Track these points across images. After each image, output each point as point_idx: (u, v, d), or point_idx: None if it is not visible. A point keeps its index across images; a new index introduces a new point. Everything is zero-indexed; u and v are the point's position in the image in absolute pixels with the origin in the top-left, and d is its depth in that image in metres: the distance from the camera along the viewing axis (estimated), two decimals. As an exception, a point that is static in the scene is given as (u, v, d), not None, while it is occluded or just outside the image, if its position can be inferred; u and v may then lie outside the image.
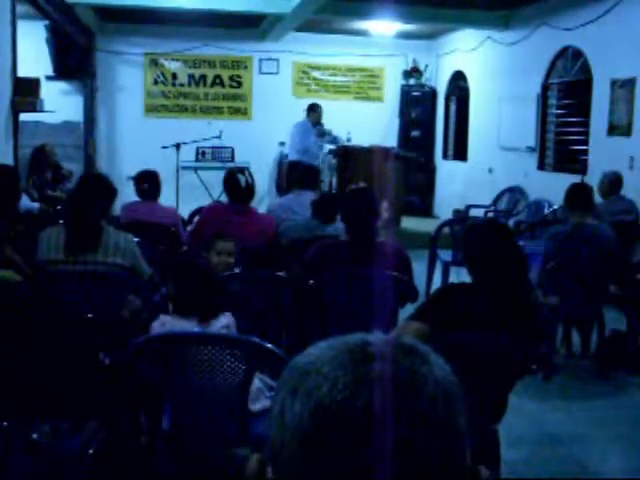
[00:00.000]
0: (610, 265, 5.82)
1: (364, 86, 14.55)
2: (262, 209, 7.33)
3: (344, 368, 0.84)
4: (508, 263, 3.35)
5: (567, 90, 10.46)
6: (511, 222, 9.52)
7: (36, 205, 7.41)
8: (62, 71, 12.26)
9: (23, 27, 8.37)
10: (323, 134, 11.13)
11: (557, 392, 5.56)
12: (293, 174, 9.82)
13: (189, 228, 6.38)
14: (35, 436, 3.06)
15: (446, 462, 0.82)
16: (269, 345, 3.09)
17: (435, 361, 0.87)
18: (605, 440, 4.77)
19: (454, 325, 3.16)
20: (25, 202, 6.77)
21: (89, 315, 4.00)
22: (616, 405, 5.40)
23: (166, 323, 3.37)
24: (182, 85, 13.86)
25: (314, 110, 11.19)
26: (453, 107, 14.22)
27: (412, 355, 0.86)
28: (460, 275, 6.12)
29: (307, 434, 0.82)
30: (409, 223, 11.91)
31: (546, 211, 9.15)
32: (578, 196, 5.98)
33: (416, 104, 14.44)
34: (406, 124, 14.46)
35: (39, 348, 3.14)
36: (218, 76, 14.02)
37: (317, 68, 14.31)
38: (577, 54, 9.99)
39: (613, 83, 8.99)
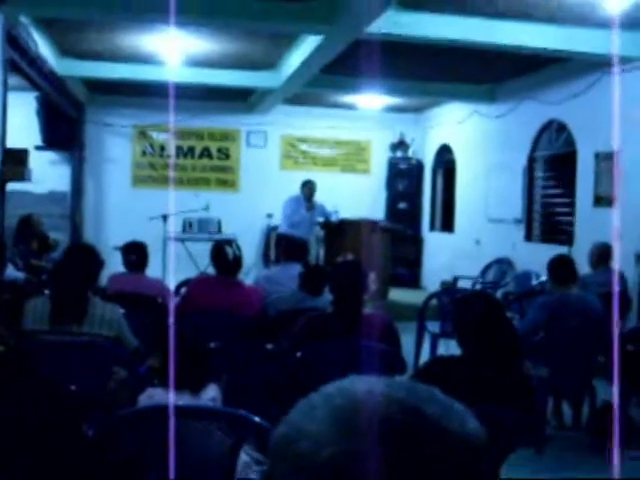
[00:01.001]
0: (598, 335, 5.80)
1: (351, 159, 14.67)
2: (249, 281, 7.30)
3: (338, 436, 0.79)
4: (499, 334, 3.33)
5: (553, 162, 10.58)
6: (499, 293, 9.52)
7: (21, 275, 7.35)
8: (51, 141, 12.32)
9: (14, 98, 8.43)
10: (314, 208, 11.16)
11: (549, 464, 5.48)
12: (281, 246, 9.84)
13: (176, 299, 6.33)
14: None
15: None
16: (257, 418, 3.04)
17: (447, 424, 0.81)
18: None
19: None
20: (10, 271, 6.72)
21: (72, 387, 3.94)
22: (608, 477, 5.32)
23: (154, 396, 3.32)
24: (170, 157, 13.95)
25: (306, 185, 11.27)
26: (440, 179, 14.34)
27: (409, 414, 0.81)
28: (449, 347, 6.09)
29: None
30: (397, 295, 11.89)
31: (534, 282, 9.16)
32: (560, 269, 6.01)
33: (403, 176, 14.56)
34: (393, 196, 14.55)
35: (20, 420, 3.07)
36: (206, 148, 14.13)
37: (304, 141, 14.44)
38: (561, 127, 10.13)
39: (596, 156, 9.10)
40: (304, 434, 0.80)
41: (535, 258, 9.75)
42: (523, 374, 3.64)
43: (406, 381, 0.87)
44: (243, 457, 3.25)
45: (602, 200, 9.01)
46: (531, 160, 10.87)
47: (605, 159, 8.95)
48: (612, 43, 8.26)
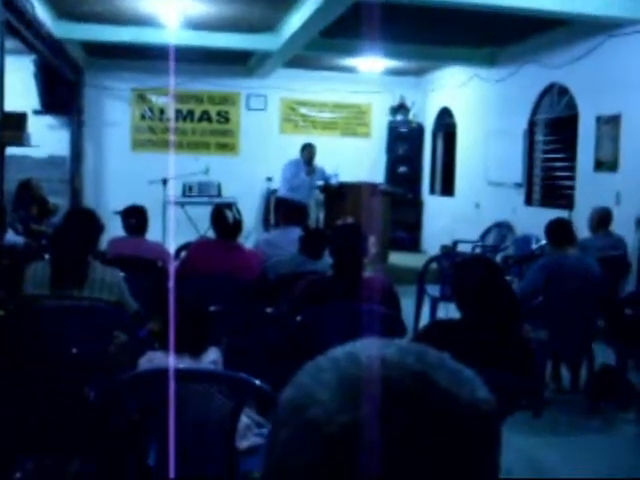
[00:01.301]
0: (596, 298, 5.82)
1: (351, 122, 14.61)
2: (249, 244, 7.31)
3: (348, 401, 0.78)
4: (498, 298, 3.33)
5: (553, 126, 10.54)
6: (499, 257, 9.53)
7: (21, 239, 7.35)
8: (49, 106, 12.26)
9: (11, 62, 8.37)
10: (313, 172, 11.12)
11: (547, 427, 5.53)
12: (280, 210, 9.83)
13: (176, 263, 6.34)
14: (19, 475, 3.01)
15: None
16: (257, 381, 3.06)
17: (458, 390, 0.80)
18: (596, 475, 4.72)
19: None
20: (10, 236, 6.72)
21: (73, 350, 3.96)
22: (607, 440, 5.37)
23: (154, 359, 3.33)
24: (169, 120, 13.89)
25: (305, 149, 11.23)
26: (440, 143, 14.30)
27: (419, 381, 0.80)
28: (448, 310, 6.10)
29: (307, 472, 0.77)
30: (397, 258, 11.91)
31: (533, 246, 9.17)
32: (558, 231, 6.03)
33: (403, 140, 14.51)
34: (393, 160, 14.52)
35: (23, 383, 3.09)
36: (205, 112, 14.07)
37: (304, 104, 14.37)
38: (563, 91, 10.07)
39: (598, 119, 9.06)
40: (313, 400, 0.79)
41: (535, 222, 9.75)
42: (522, 337, 3.66)
43: (415, 346, 0.85)
44: (244, 420, 3.27)
45: (603, 164, 8.99)
46: (532, 124, 10.82)
47: (606, 123, 8.91)
48: (615, 5, 8.19)
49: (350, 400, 0.78)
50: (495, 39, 10.90)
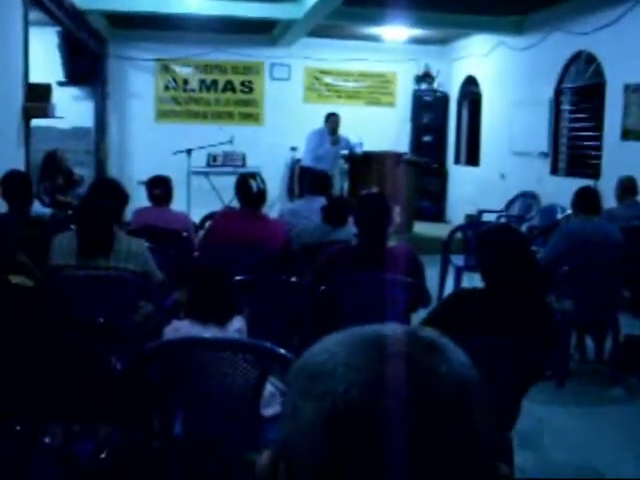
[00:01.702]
0: (620, 265, 5.78)
1: (376, 91, 14.53)
2: (273, 214, 7.32)
3: (359, 370, 0.80)
4: (523, 267, 3.33)
5: (580, 95, 10.43)
6: (524, 227, 9.49)
7: (48, 210, 7.41)
8: (73, 77, 12.28)
9: (35, 33, 8.39)
10: (338, 142, 11.07)
11: (571, 397, 5.52)
12: (305, 180, 9.83)
13: (201, 233, 6.37)
14: (48, 439, 3.05)
15: (466, 463, 0.79)
16: (282, 350, 3.08)
17: (454, 356, 0.84)
18: (619, 445, 4.73)
19: (466, 329, 3.13)
20: (37, 207, 6.77)
21: (100, 319, 4.00)
22: (630, 411, 5.37)
23: (180, 329, 3.36)
24: (193, 91, 13.89)
25: (330, 118, 11.18)
26: (465, 112, 14.20)
27: (431, 353, 0.83)
28: (473, 280, 6.09)
29: (321, 439, 0.79)
30: (421, 228, 11.89)
31: (559, 216, 9.11)
32: (584, 198, 5.99)
33: (428, 109, 14.43)
34: (418, 129, 14.45)
35: (51, 352, 3.13)
36: (229, 81, 14.04)
37: (329, 73, 14.30)
38: (590, 59, 9.95)
39: (626, 88, 8.95)
40: (331, 374, 0.81)
41: (560, 192, 9.68)
42: (546, 307, 3.65)
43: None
44: (268, 388, 3.30)
45: (630, 133, 8.89)
46: (558, 92, 10.71)
47: (634, 91, 8.80)
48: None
49: (364, 364, 0.81)
50: (522, 6, 10.77)
